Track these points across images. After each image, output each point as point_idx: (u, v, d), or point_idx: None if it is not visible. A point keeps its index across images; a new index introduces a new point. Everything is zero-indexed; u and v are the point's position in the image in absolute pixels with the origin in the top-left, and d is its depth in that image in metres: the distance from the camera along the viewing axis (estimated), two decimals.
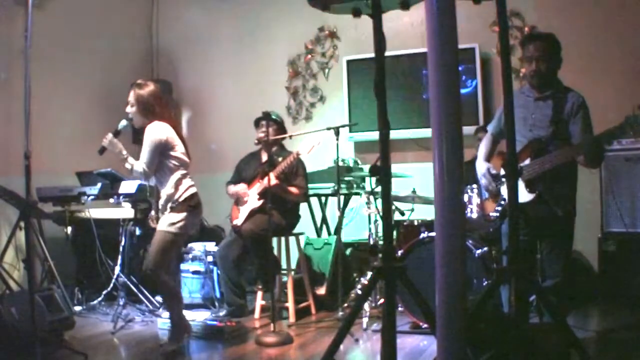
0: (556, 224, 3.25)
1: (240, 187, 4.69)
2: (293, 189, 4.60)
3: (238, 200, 4.70)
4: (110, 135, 3.61)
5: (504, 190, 3.37)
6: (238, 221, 4.62)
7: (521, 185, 3.16)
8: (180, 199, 3.60)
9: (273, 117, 4.62)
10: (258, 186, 4.56)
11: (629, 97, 5.01)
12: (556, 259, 3.28)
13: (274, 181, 4.36)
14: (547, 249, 3.33)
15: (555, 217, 3.23)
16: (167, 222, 3.56)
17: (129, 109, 3.67)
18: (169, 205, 3.61)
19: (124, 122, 3.67)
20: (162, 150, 3.59)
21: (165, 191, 3.62)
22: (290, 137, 4.74)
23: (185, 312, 4.64)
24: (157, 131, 3.59)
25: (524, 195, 3.18)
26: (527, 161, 3.21)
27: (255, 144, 4.42)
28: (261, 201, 4.48)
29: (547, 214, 3.23)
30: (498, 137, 3.52)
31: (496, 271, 2.81)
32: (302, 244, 4.87)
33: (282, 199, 4.55)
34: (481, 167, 3.53)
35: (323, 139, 4.38)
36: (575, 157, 3.13)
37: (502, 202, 3.40)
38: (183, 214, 3.58)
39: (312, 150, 4.35)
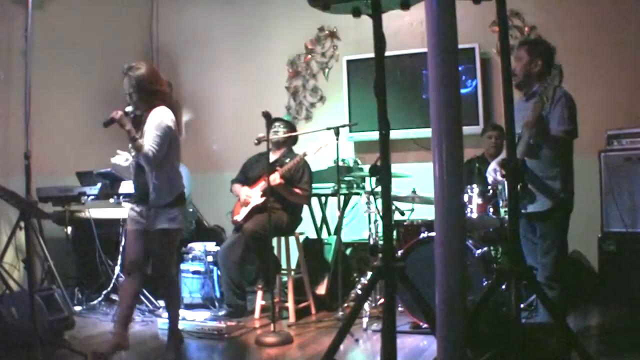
0: (544, 215, 3.27)
1: (244, 192, 4.71)
2: (297, 190, 4.62)
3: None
4: (120, 112, 3.29)
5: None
6: (239, 217, 4.66)
7: None
8: (176, 195, 3.41)
9: (284, 119, 4.85)
10: (263, 184, 4.57)
11: (627, 96, 5.02)
12: (545, 252, 3.27)
13: (278, 180, 4.42)
14: (539, 243, 3.34)
15: (543, 209, 3.25)
16: (168, 218, 3.37)
17: (129, 99, 3.33)
18: (167, 200, 3.36)
19: (131, 107, 3.35)
20: (170, 139, 3.35)
21: (160, 185, 3.35)
22: (291, 137, 4.75)
23: (185, 312, 4.68)
24: (168, 116, 3.35)
25: None
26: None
27: (255, 144, 4.42)
28: (264, 198, 4.49)
29: (535, 207, 3.26)
30: None
31: (496, 271, 2.81)
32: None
33: (285, 197, 4.59)
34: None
35: (330, 142, 4.44)
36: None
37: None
38: (178, 208, 3.40)
39: (319, 151, 4.46)
